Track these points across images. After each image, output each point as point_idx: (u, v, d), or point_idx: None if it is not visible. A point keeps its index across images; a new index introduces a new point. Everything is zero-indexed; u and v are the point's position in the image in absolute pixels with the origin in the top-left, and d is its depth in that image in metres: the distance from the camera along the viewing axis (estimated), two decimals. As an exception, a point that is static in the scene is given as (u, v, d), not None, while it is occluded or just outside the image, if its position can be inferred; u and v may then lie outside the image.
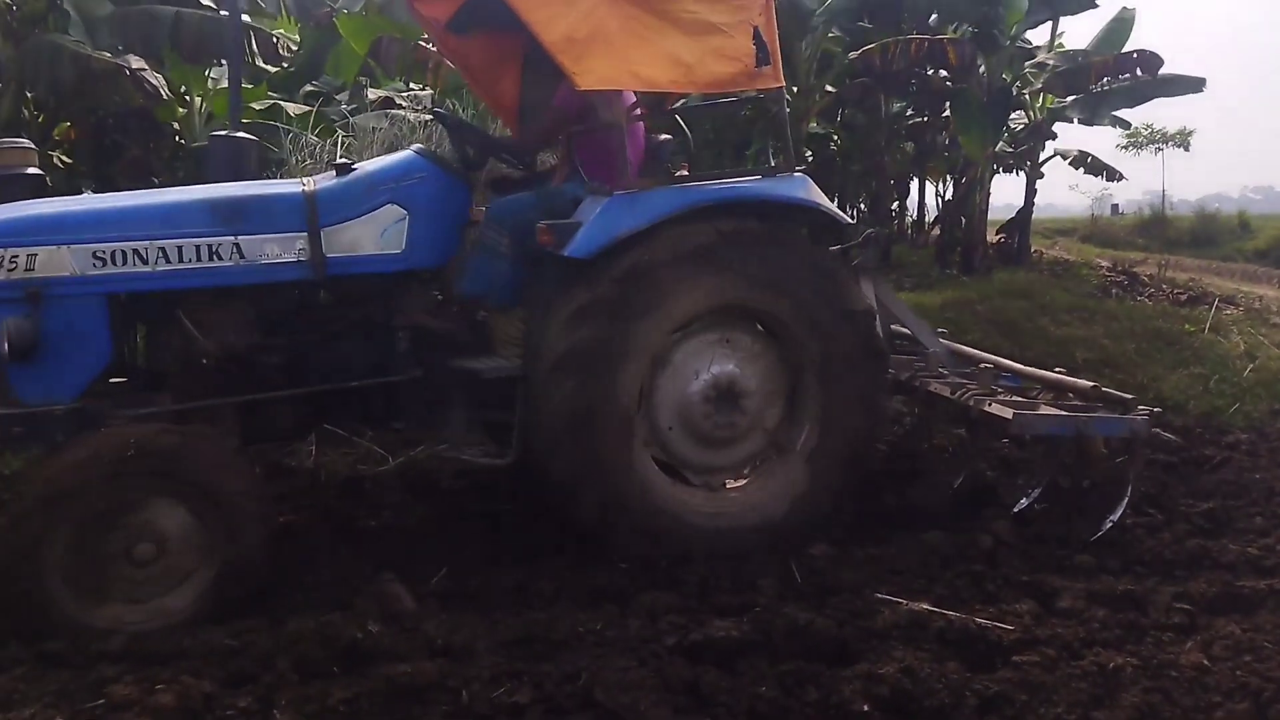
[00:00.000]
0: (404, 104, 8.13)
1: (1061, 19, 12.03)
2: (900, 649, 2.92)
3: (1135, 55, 10.36)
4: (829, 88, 11.69)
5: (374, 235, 3.92)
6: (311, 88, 9.69)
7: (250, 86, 8.23)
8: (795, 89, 10.29)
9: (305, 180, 4.16)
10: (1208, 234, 24.10)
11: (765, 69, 3.99)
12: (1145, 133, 30.01)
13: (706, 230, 3.84)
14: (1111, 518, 4.08)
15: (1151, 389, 7.13)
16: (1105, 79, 10.63)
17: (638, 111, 4.36)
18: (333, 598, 3.43)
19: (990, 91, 10.90)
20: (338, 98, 9.35)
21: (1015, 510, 4.30)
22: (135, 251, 3.64)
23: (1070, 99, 11.60)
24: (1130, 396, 4.35)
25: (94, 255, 3.59)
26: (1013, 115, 13.35)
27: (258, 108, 8.37)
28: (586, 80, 3.76)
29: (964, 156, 12.67)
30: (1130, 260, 14.56)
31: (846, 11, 9.55)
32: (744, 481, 4.14)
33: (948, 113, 12.46)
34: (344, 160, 4.27)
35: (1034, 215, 13.92)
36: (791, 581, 3.60)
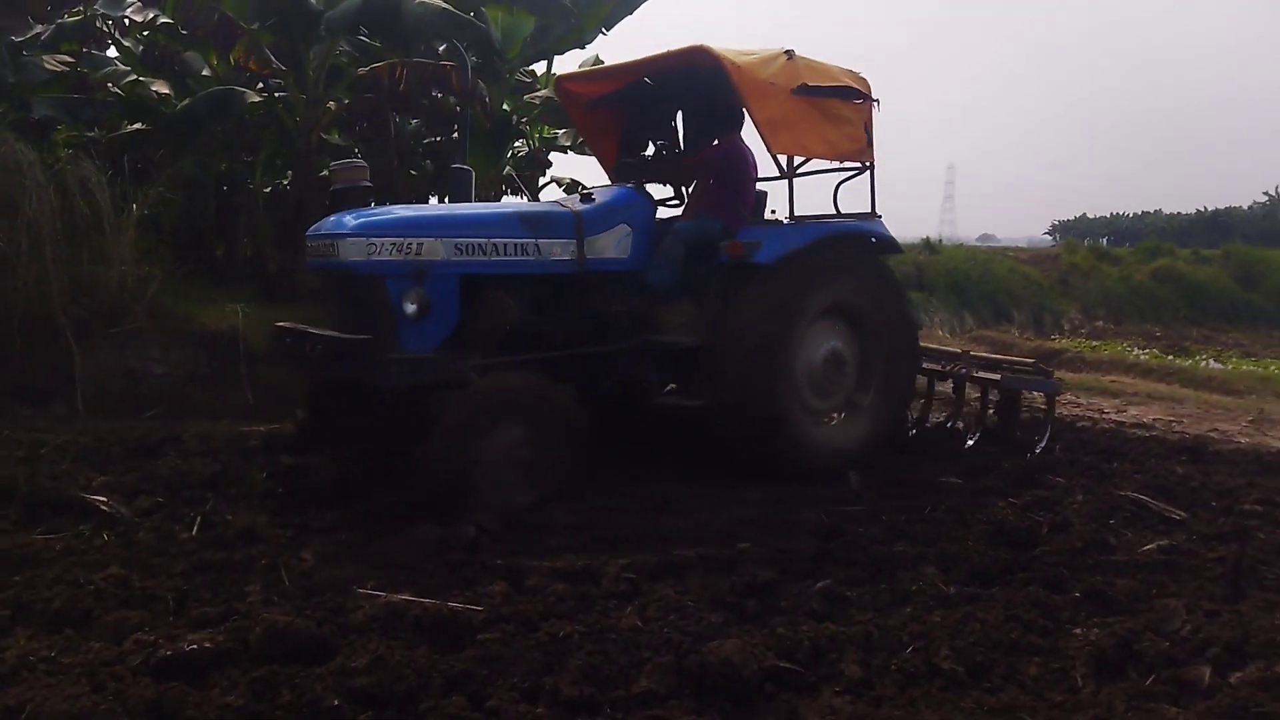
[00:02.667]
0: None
1: (556, 58, 13.24)
2: (376, 641, 3.01)
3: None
4: (344, 100, 11.56)
5: (613, 244, 5.57)
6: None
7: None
8: (304, 97, 10.01)
9: (565, 201, 5.85)
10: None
11: (868, 148, 6.07)
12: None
13: (842, 253, 5.87)
14: (1040, 444, 6.44)
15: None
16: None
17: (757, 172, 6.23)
18: None
19: (493, 119, 11.61)
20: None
21: (967, 446, 6.46)
22: (478, 245, 5.06)
23: (562, 131, 12.82)
24: (1050, 369, 7.12)
25: (455, 246, 4.98)
26: (517, 143, 14.37)
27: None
28: (777, 147, 5.75)
29: (473, 178, 13.32)
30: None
31: (353, 25, 9.52)
32: (834, 421, 5.99)
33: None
34: (588, 190, 5.98)
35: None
36: (279, 585, 3.58)
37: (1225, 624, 3.39)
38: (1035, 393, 6.98)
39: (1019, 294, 18.23)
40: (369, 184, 5.50)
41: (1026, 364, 7.10)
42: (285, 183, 12.98)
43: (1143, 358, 13.11)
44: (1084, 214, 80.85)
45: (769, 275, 5.51)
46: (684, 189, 6.68)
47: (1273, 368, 13.11)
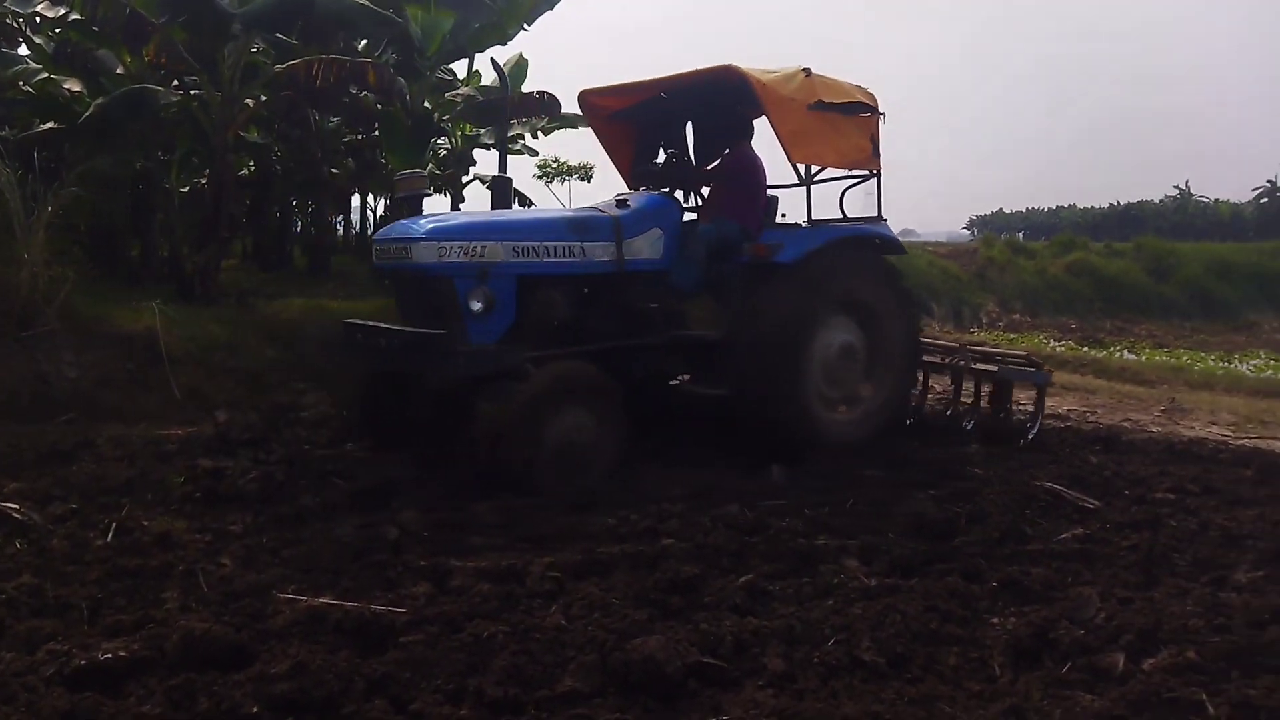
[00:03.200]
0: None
1: (478, 56, 13.16)
2: (297, 645, 2.97)
3: (538, 95, 11.75)
4: (263, 97, 11.31)
5: (647, 247, 6.07)
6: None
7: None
8: (219, 95, 9.75)
9: (603, 207, 6.20)
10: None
11: (875, 157, 6.57)
12: (554, 165, 33.95)
13: (853, 254, 6.42)
14: (1032, 431, 6.80)
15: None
16: (515, 116, 11.89)
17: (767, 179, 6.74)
18: None
19: (414, 116, 11.48)
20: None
21: (965, 426, 6.93)
22: (532, 248, 5.54)
23: (485, 129, 12.73)
24: (1040, 360, 7.54)
25: (513, 249, 5.47)
26: (441, 140, 14.23)
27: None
28: (796, 157, 6.36)
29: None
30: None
31: (270, 23, 9.31)
32: (845, 409, 6.38)
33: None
34: (622, 196, 6.38)
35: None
36: (197, 591, 3.50)
37: (1138, 611, 3.50)
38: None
39: (938, 288, 18.58)
40: (429, 192, 5.95)
41: (1019, 357, 7.53)
42: (202, 181, 12.67)
43: (1058, 349, 13.48)
44: (1001, 209, 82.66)
45: (789, 274, 6.02)
46: (694, 194, 7.22)
47: (1184, 358, 13.63)
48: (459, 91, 12.48)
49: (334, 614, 3.19)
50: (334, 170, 15.13)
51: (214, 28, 9.02)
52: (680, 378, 6.55)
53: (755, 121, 6.76)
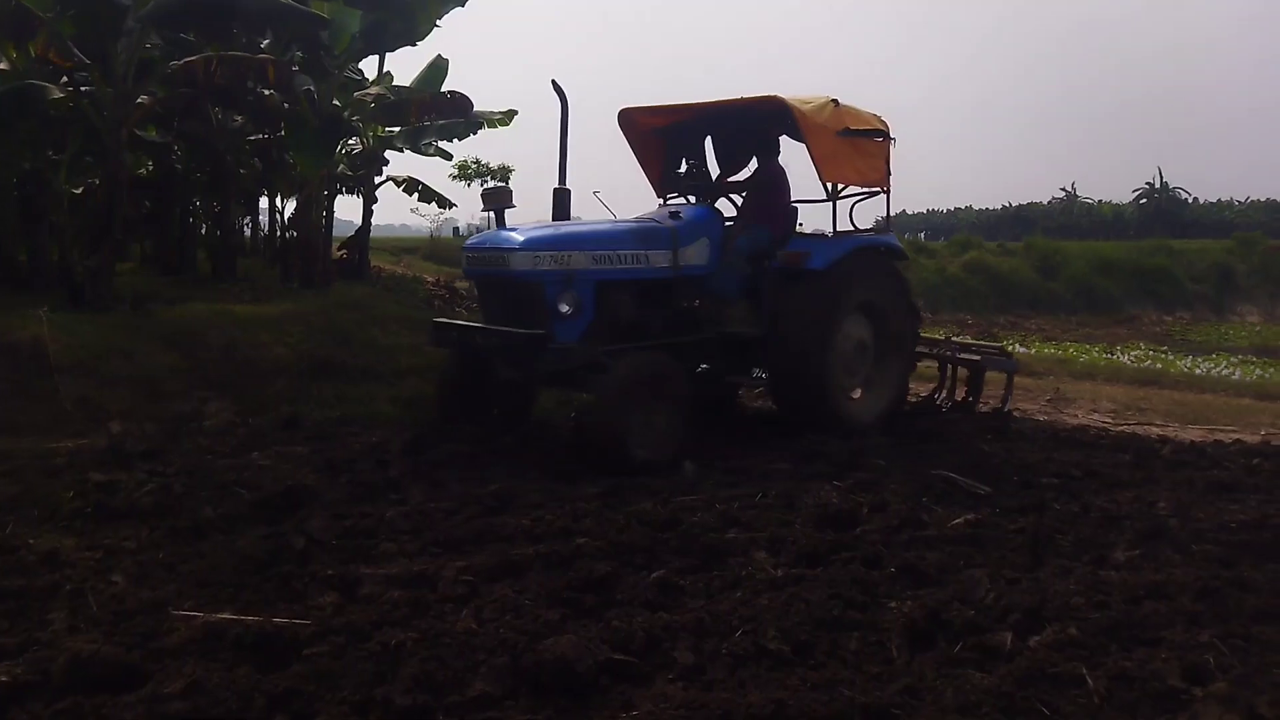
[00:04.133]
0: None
1: (391, 56, 12.93)
2: (193, 664, 2.88)
3: (449, 95, 11.62)
4: (160, 94, 10.89)
5: (698, 254, 6.82)
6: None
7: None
8: (112, 91, 9.37)
9: (659, 218, 6.88)
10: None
11: (887, 177, 7.46)
12: (472, 166, 33.71)
13: (866, 260, 7.30)
14: (1006, 405, 7.59)
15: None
16: (426, 116, 11.73)
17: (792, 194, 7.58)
18: None
19: (322, 115, 11.22)
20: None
21: (944, 410, 7.73)
22: (608, 256, 6.34)
23: (398, 130, 12.51)
24: (1010, 351, 8.67)
25: (593, 257, 6.26)
26: (352, 140, 13.94)
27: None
28: (827, 176, 7.15)
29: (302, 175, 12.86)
30: (451, 276, 16.20)
31: (168, 19, 8.98)
32: (858, 395, 7.28)
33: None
34: (675, 209, 7.06)
35: (390, 235, 14.80)
36: (86, 611, 3.37)
37: (1025, 591, 3.66)
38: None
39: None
40: (513, 205, 6.48)
41: (993, 348, 8.63)
42: (95, 181, 12.15)
43: (957, 344, 13.96)
44: (904, 210, 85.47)
45: (817, 279, 6.85)
46: (713, 202, 7.87)
47: (1071, 350, 14.28)
48: (369, 91, 12.25)
49: (233, 629, 3.10)
50: (241, 170, 14.69)
51: (106, 22, 8.68)
52: (700, 367, 7.22)
53: (781, 140, 7.63)
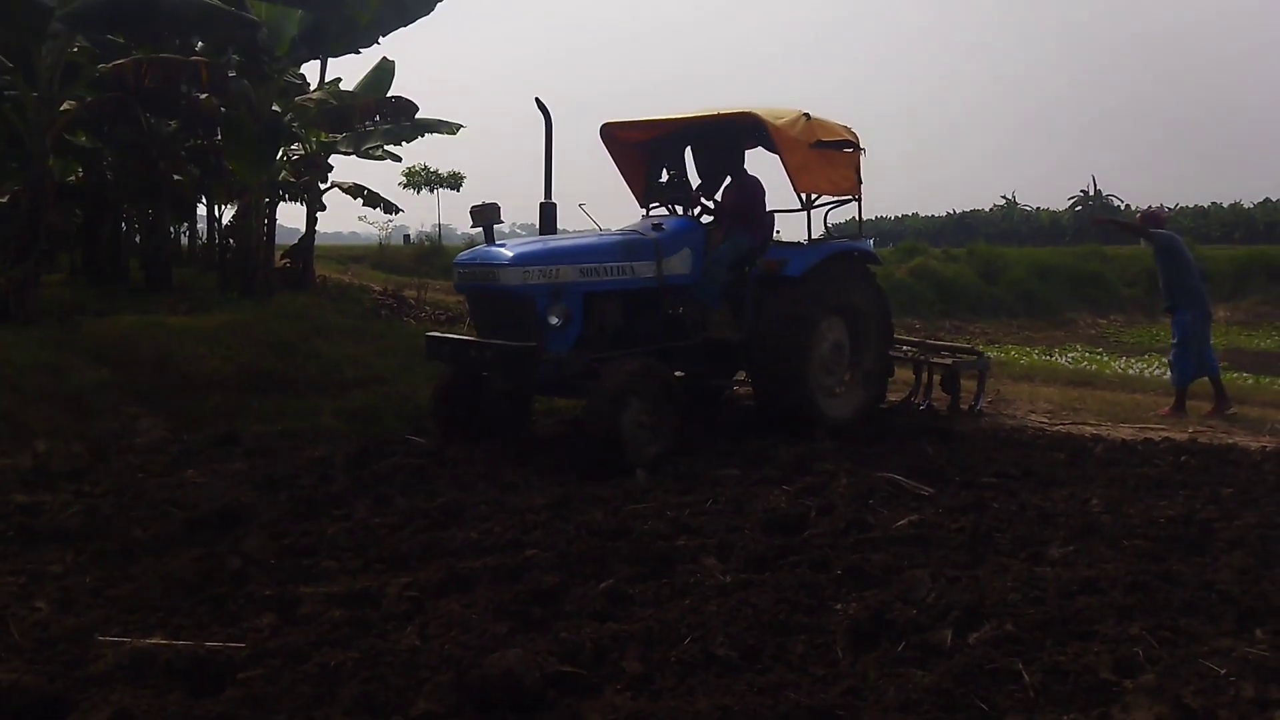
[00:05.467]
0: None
1: (334, 61, 12.73)
2: (120, 691, 2.77)
3: (394, 100, 11.45)
4: (88, 98, 10.58)
5: (682, 263, 7.10)
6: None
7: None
8: (35, 95, 9.07)
9: (643, 230, 7.19)
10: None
11: (858, 186, 7.75)
12: (422, 173, 33.43)
13: (842, 265, 7.56)
14: (979, 404, 8.38)
15: (411, 399, 7.98)
16: (369, 120, 11.55)
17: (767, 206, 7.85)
18: None
19: (261, 120, 10.99)
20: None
21: (920, 408, 8.34)
22: (594, 269, 6.59)
23: (342, 135, 12.31)
24: (981, 350, 9.54)
25: (580, 270, 6.51)
26: (294, 146, 13.67)
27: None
28: (801, 186, 7.36)
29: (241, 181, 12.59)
30: (400, 284, 15.96)
31: (91, 20, 8.70)
32: (837, 393, 7.52)
33: (223, 138, 12.26)
34: (658, 219, 7.41)
35: (339, 243, 14.55)
36: (7, 639, 3.23)
37: (965, 589, 3.69)
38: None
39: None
40: (501, 221, 6.58)
41: (966, 349, 9.30)
42: (18, 189, 11.74)
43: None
44: (852, 217, 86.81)
45: (795, 284, 7.10)
46: (695, 212, 8.08)
47: (1012, 352, 14.56)
48: (310, 95, 12.03)
49: (163, 654, 2.99)
50: (177, 176, 14.32)
51: (29, 24, 8.39)
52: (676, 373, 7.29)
53: (751, 153, 8.04)
